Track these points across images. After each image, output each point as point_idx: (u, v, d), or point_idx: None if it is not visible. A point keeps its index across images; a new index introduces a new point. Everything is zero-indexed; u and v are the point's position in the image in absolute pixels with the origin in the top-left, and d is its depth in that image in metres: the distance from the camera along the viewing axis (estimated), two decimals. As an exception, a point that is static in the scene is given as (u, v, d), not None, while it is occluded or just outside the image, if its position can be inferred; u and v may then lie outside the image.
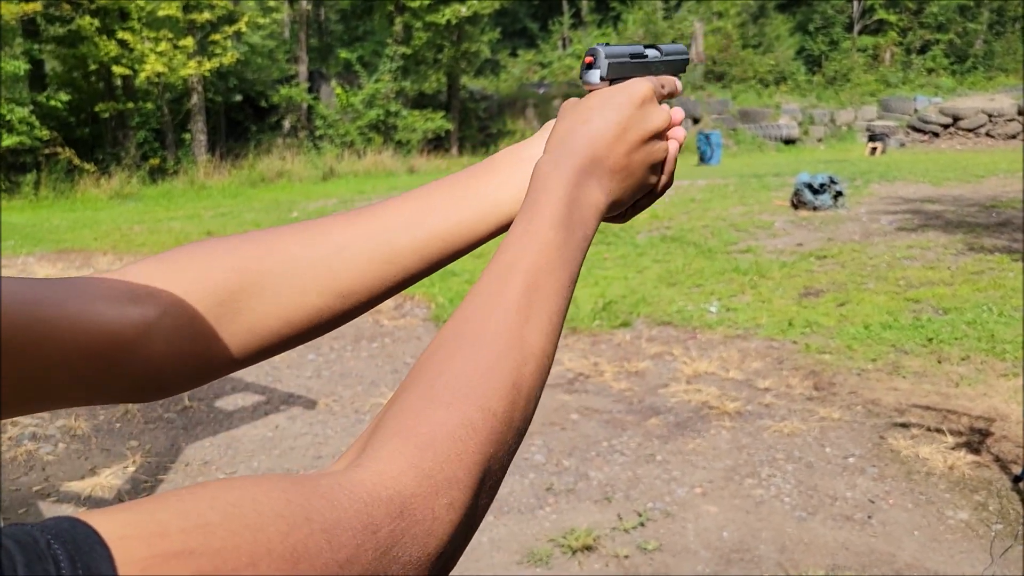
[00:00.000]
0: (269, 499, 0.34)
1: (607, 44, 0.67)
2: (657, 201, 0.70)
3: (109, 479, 3.60)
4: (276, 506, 0.33)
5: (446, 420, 0.42)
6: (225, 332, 0.57)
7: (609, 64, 0.66)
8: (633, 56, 0.68)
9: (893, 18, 29.15)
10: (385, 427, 0.42)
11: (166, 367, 0.55)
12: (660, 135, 0.65)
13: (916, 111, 24.68)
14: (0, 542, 0.25)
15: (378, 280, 0.62)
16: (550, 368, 0.50)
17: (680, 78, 0.74)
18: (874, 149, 21.21)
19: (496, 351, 0.46)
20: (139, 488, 3.54)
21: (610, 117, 0.62)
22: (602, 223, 0.63)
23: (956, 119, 23.57)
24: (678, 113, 0.67)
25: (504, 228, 0.64)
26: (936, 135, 23.72)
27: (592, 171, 0.60)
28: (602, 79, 0.66)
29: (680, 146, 0.67)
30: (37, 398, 0.50)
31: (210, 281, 0.57)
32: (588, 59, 0.67)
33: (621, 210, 0.66)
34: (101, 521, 0.28)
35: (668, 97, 0.69)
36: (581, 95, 0.68)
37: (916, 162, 17.12)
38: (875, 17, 29.59)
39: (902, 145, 22.96)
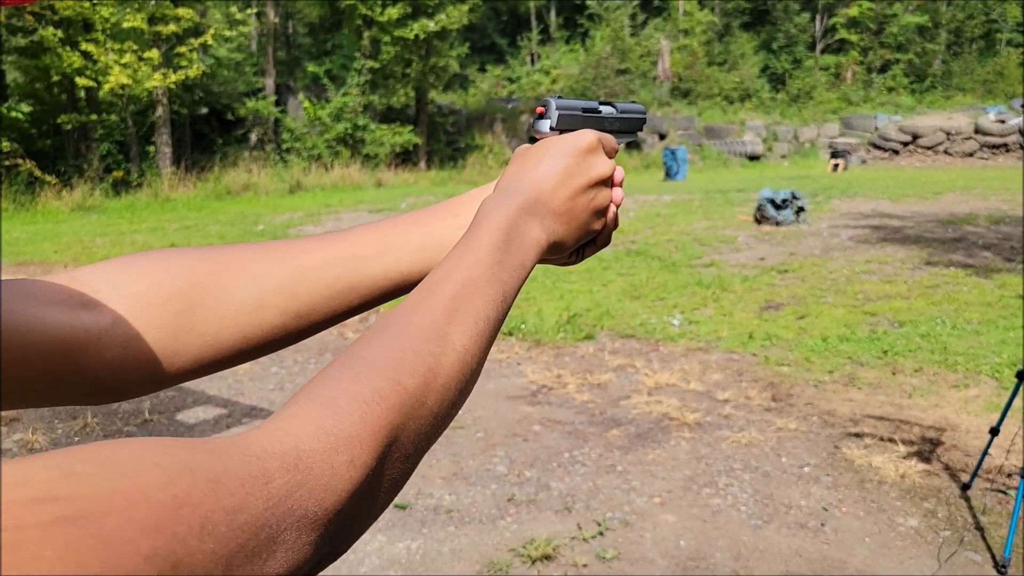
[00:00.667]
0: (149, 452, 0.34)
1: (559, 97, 0.71)
2: (620, 220, 0.74)
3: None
4: (156, 458, 0.33)
5: (352, 385, 0.44)
6: (181, 341, 0.59)
7: (559, 115, 0.70)
8: (585, 111, 0.72)
9: (854, 38, 29.78)
10: (297, 394, 0.44)
11: (121, 372, 0.57)
12: (604, 183, 0.69)
13: (877, 129, 25.19)
14: None
15: (335, 304, 0.65)
16: (475, 371, 0.52)
17: (637, 135, 0.79)
18: (836, 166, 21.59)
19: (415, 338, 0.49)
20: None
21: (556, 163, 0.66)
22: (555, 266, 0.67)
23: (915, 137, 24.10)
24: (619, 173, 0.71)
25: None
26: (896, 152, 24.21)
27: (534, 210, 0.64)
28: (551, 129, 0.70)
29: (618, 206, 0.71)
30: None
31: (167, 289, 0.59)
32: (539, 109, 0.71)
33: (565, 252, 0.69)
34: None
35: (610, 154, 0.72)
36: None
37: (877, 179, 17.46)
38: (837, 36, 30.20)
39: (863, 162, 23.40)
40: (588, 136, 0.69)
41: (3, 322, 0.51)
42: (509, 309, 0.58)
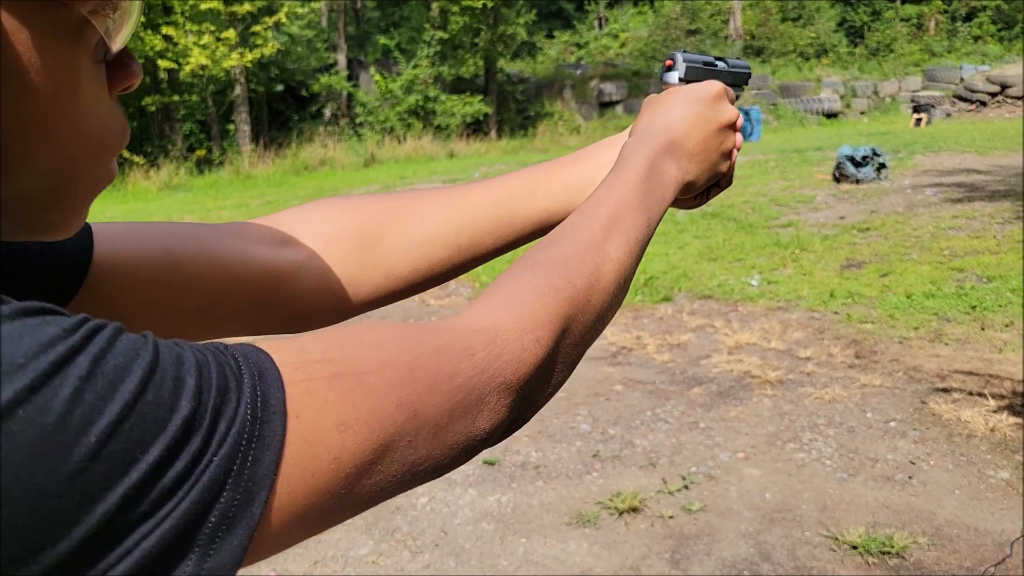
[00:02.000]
0: (386, 329, 0.44)
1: (685, 51, 0.80)
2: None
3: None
4: (393, 334, 0.44)
5: (533, 279, 0.53)
6: (365, 273, 0.70)
7: (686, 67, 0.79)
8: (706, 64, 0.81)
9: (938, -15, 28.52)
10: (488, 288, 0.54)
11: (315, 300, 0.67)
12: (730, 127, 0.77)
13: (962, 80, 24.18)
14: (207, 358, 0.35)
15: (493, 239, 0.74)
16: (627, 281, 0.61)
17: (743, 89, 0.87)
18: (919, 120, 20.84)
19: (580, 248, 0.57)
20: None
21: (689, 109, 0.75)
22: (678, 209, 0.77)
23: (1004, 87, 23.05)
24: (741, 119, 0.80)
25: None
26: (983, 104, 23.22)
27: (671, 150, 0.72)
28: (680, 80, 0.79)
29: (739, 150, 0.80)
30: (213, 322, 0.63)
31: (352, 229, 0.70)
32: (668, 63, 0.80)
33: (695, 192, 0.77)
34: (264, 344, 0.39)
35: (734, 97, 0.81)
36: (659, 88, 0.81)
37: (962, 132, 16.81)
38: (919, -15, 28.96)
39: (948, 115, 22.52)
40: (716, 85, 0.77)
41: (220, 257, 0.62)
42: (652, 235, 0.66)
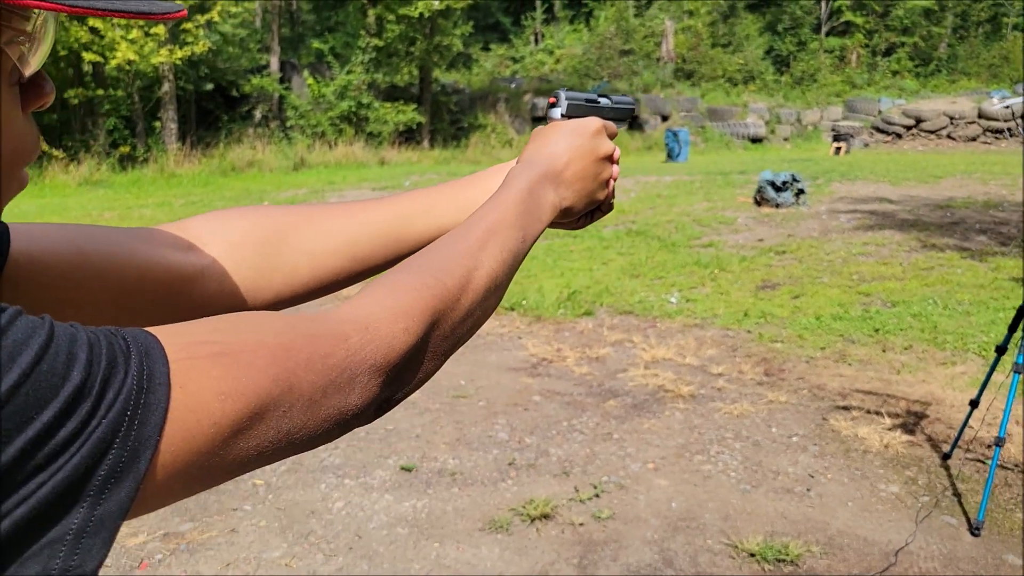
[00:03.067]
0: (267, 317, 0.51)
1: (568, 89, 0.89)
2: (621, 200, 0.91)
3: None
4: (272, 321, 0.51)
5: (408, 278, 0.60)
6: (265, 278, 0.76)
7: (568, 104, 0.88)
8: (588, 101, 0.90)
9: (860, 20, 29.71)
10: (365, 286, 0.60)
11: (218, 301, 0.74)
12: (608, 159, 0.86)
13: (880, 112, 25.21)
14: (99, 338, 0.41)
15: (388, 252, 0.81)
16: (500, 288, 0.68)
17: (627, 122, 0.96)
18: (838, 149, 21.66)
19: (456, 254, 0.64)
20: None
21: (570, 142, 0.83)
22: (564, 231, 0.86)
23: (919, 121, 24.12)
24: (616, 152, 0.88)
25: None
26: (899, 136, 24.25)
27: (551, 178, 0.80)
28: (563, 116, 0.88)
29: (615, 180, 0.89)
30: (128, 315, 0.68)
31: (255, 236, 0.76)
32: (552, 100, 0.88)
33: (575, 217, 0.86)
34: (153, 328, 0.45)
35: (611, 137, 0.89)
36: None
37: (878, 162, 17.54)
38: (842, 19, 30.13)
39: (866, 145, 23.45)
40: (596, 122, 0.86)
41: (129, 258, 0.68)
42: (527, 251, 0.74)
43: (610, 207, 0.89)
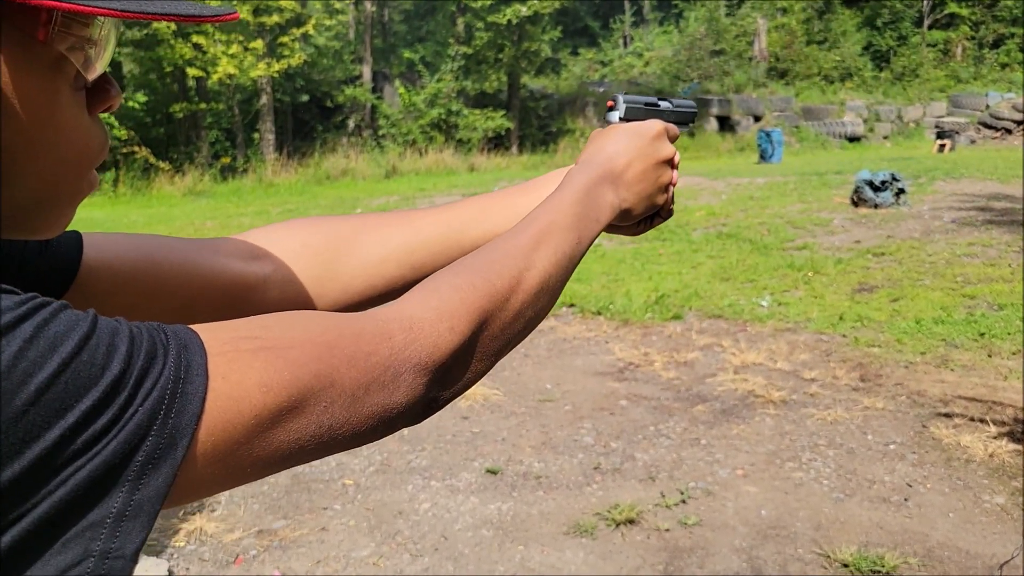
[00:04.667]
0: (312, 316, 0.52)
1: (626, 93, 0.88)
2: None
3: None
4: (317, 319, 0.52)
5: (455, 279, 0.60)
6: (324, 286, 0.79)
7: (626, 108, 0.86)
8: (647, 104, 0.88)
9: (965, 12, 28.42)
10: (412, 288, 0.61)
11: (277, 309, 0.75)
12: (668, 163, 0.85)
13: (988, 107, 24.06)
14: (141, 332, 0.43)
15: (443, 259, 0.82)
16: (553, 290, 0.68)
17: (690, 126, 0.94)
18: (942, 146, 20.76)
19: (507, 255, 0.64)
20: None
21: (630, 143, 0.82)
22: (623, 235, 0.85)
23: (1030, 115, 22.90)
24: (676, 156, 0.87)
25: None
26: (1009, 132, 23.09)
27: (610, 179, 0.79)
28: (620, 119, 0.86)
29: (675, 185, 0.87)
30: (187, 319, 0.72)
31: (315, 246, 0.78)
32: (610, 103, 0.87)
33: (633, 220, 0.85)
34: (197, 326, 0.47)
35: (672, 140, 0.87)
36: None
37: (985, 159, 16.74)
38: (946, 11, 28.88)
39: (972, 142, 22.41)
40: (657, 124, 0.84)
41: (195, 267, 0.72)
42: (583, 253, 0.73)
43: (670, 213, 0.88)
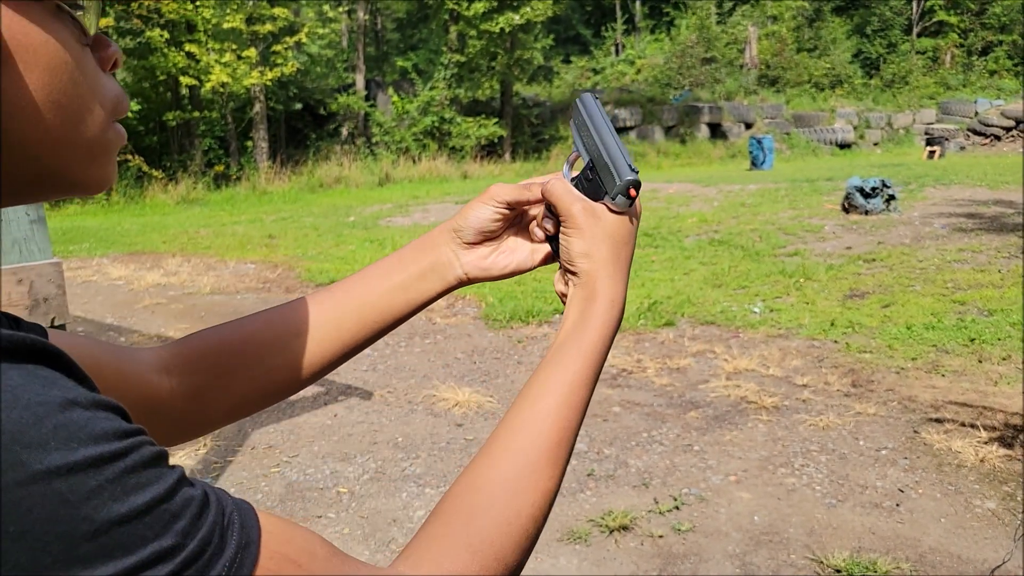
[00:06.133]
0: (350, 564, 0.51)
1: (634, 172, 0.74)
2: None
3: (184, 460, 3.90)
4: (352, 569, 0.51)
5: (470, 563, 0.57)
6: (223, 391, 0.80)
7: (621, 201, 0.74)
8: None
9: (954, 19, 28.65)
10: (425, 546, 0.57)
11: (183, 418, 0.78)
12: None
13: (977, 114, 24.23)
14: (216, 494, 0.44)
15: (328, 355, 0.82)
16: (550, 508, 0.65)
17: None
18: (932, 153, 20.89)
19: (519, 504, 0.61)
20: (210, 468, 3.83)
21: (624, 251, 0.74)
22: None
23: (1019, 122, 23.08)
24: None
25: (426, 305, 0.83)
26: (998, 138, 23.25)
27: (619, 303, 0.73)
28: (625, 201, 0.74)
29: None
30: None
31: (209, 359, 0.79)
32: (632, 192, 0.73)
33: None
34: (262, 517, 0.46)
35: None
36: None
37: (975, 165, 16.85)
38: (935, 19, 29.10)
39: (962, 148, 22.56)
40: (629, 223, 0.75)
41: (126, 374, 0.73)
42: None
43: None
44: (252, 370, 0.80)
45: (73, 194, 0.53)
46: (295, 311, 0.81)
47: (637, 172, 0.74)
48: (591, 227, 0.73)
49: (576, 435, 0.66)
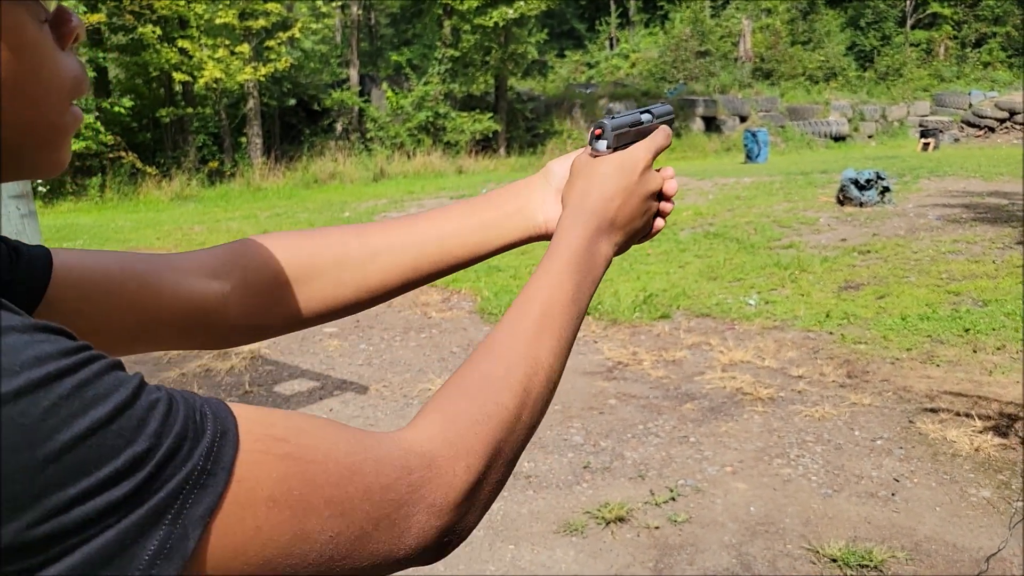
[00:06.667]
0: (341, 429, 0.50)
1: (612, 117, 0.83)
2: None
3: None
4: (345, 434, 0.50)
5: (469, 407, 0.58)
6: (280, 306, 0.78)
7: (615, 135, 0.82)
8: (633, 125, 0.85)
9: (948, 11, 28.66)
10: (428, 406, 0.59)
11: (235, 327, 0.77)
12: (656, 195, 0.83)
13: (971, 106, 24.27)
14: (179, 408, 0.42)
15: (399, 283, 0.82)
16: (558, 381, 0.66)
17: (671, 125, 0.92)
18: (926, 145, 20.91)
19: (512, 360, 0.62)
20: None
21: (619, 182, 0.79)
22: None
23: (1012, 113, 23.13)
24: (668, 171, 0.85)
25: (505, 249, 0.85)
26: (992, 130, 23.30)
27: (604, 229, 0.76)
28: (608, 148, 0.82)
29: (672, 199, 0.85)
30: (145, 340, 0.72)
31: (274, 266, 0.78)
32: (597, 131, 0.82)
33: (625, 251, 0.84)
34: (236, 408, 0.46)
35: (663, 148, 0.86)
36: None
37: (969, 157, 16.87)
38: (929, 11, 29.11)
39: (956, 140, 22.60)
40: (642, 156, 0.81)
41: (158, 287, 0.72)
42: (581, 323, 0.72)
43: (649, 238, 0.86)
44: (319, 282, 0.79)
45: (25, 177, 0.51)
46: (378, 231, 0.82)
47: (611, 117, 0.83)
48: (576, 170, 0.82)
49: (571, 318, 0.68)
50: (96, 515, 0.37)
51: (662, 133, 0.87)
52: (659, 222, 0.85)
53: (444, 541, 0.54)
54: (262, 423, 0.46)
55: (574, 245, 0.73)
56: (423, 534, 0.51)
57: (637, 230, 0.82)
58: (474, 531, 2.50)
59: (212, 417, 0.43)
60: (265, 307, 0.77)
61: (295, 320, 0.79)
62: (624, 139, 0.84)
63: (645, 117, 0.88)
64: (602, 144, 0.82)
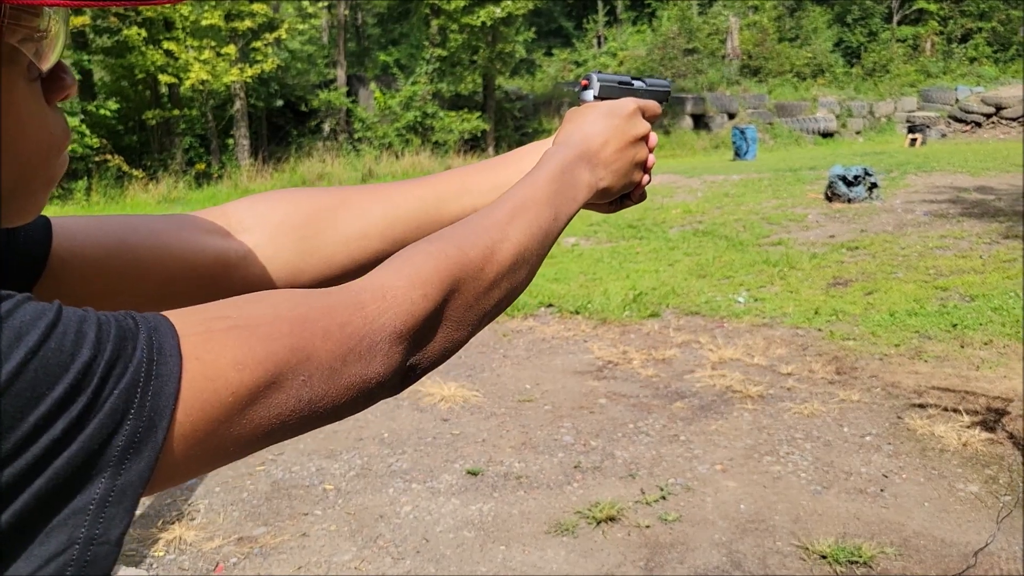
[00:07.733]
0: (281, 293, 0.52)
1: (600, 72, 0.88)
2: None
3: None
4: (284, 294, 0.52)
5: (428, 247, 0.61)
6: (306, 261, 0.78)
7: (600, 86, 0.87)
8: (621, 83, 0.89)
9: (934, 7, 28.77)
10: (390, 257, 0.61)
11: (258, 287, 0.75)
12: (643, 140, 0.86)
13: (957, 101, 24.38)
14: (108, 318, 0.43)
15: (423, 232, 0.81)
16: (530, 265, 0.68)
17: (663, 105, 0.95)
18: (914, 140, 20.99)
19: (481, 227, 0.65)
20: (195, 468, 3.81)
21: (606, 122, 0.83)
22: (600, 215, 0.84)
23: (999, 108, 23.25)
24: (653, 138, 0.88)
25: None
26: (979, 125, 23.41)
27: (586, 158, 0.80)
28: (595, 98, 0.87)
29: (650, 165, 0.88)
30: (171, 301, 0.71)
31: (296, 220, 0.78)
32: (584, 82, 0.88)
33: (609, 199, 0.85)
34: (172, 312, 0.47)
35: (651, 119, 0.89)
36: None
37: (956, 152, 16.95)
38: (915, 7, 29.22)
39: (943, 136, 22.70)
40: (630, 102, 0.86)
41: (172, 247, 0.71)
42: (560, 230, 0.74)
43: (643, 196, 0.89)
44: (346, 231, 0.79)
45: (3, 225, 0.52)
46: (399, 186, 0.84)
47: (598, 71, 0.89)
48: (567, 118, 0.86)
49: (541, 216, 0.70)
50: (61, 434, 0.38)
51: (652, 101, 0.90)
52: (644, 177, 0.87)
53: (408, 367, 0.56)
54: (195, 311, 0.48)
55: (552, 165, 0.76)
56: (389, 361, 0.54)
57: (624, 172, 0.83)
58: (464, 531, 2.49)
59: (140, 318, 0.44)
60: (289, 264, 0.77)
61: (321, 276, 0.79)
62: (611, 94, 0.87)
63: (638, 84, 0.91)
64: (588, 94, 0.87)
